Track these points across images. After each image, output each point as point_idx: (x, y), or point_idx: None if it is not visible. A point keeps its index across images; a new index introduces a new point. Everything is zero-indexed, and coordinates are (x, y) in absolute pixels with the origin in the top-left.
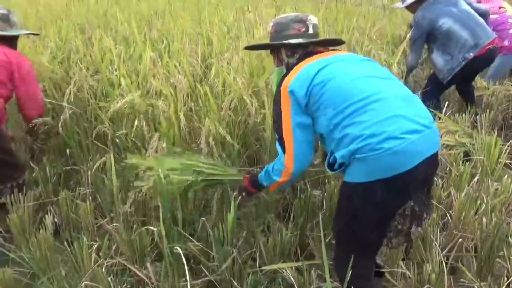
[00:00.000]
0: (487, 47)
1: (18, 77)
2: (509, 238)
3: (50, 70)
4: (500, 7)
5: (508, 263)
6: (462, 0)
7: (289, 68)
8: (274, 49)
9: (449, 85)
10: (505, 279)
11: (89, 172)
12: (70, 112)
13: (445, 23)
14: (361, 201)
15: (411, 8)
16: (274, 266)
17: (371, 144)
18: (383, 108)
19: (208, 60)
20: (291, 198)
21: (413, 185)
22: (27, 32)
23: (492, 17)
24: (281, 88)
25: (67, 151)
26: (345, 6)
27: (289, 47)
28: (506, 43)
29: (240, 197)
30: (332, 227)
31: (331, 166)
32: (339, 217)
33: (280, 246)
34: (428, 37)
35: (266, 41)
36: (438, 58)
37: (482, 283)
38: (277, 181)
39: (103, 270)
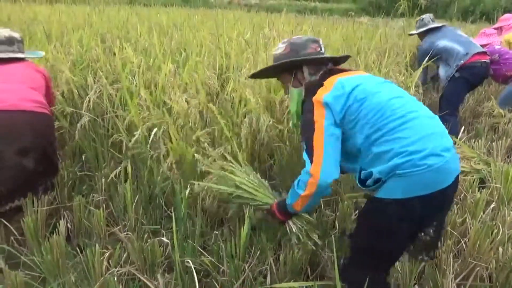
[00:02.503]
0: (477, 58)
1: (50, 87)
2: None
3: (71, 77)
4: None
5: None
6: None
7: (314, 85)
8: (292, 68)
9: (456, 98)
10: None
11: (103, 179)
12: (88, 119)
13: (441, 42)
14: (396, 217)
15: (420, 35)
16: (284, 285)
17: (414, 160)
18: (420, 126)
19: (225, 74)
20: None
21: (446, 204)
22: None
23: (496, 47)
24: (313, 99)
25: (83, 156)
26: (361, 26)
27: (313, 65)
28: None
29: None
30: (350, 245)
31: (363, 182)
32: (363, 234)
33: (291, 264)
34: (434, 57)
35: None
36: (441, 70)
37: None
38: (302, 195)
39: (114, 278)
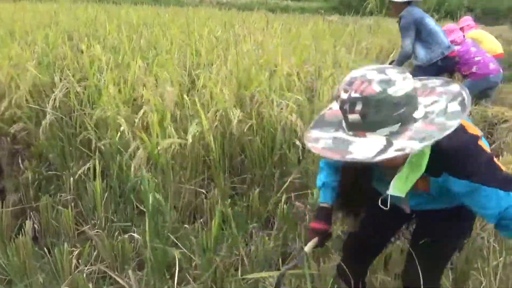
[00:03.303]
0: (454, 54)
1: None
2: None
3: (36, 75)
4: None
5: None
6: None
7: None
8: None
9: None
10: None
11: (71, 179)
12: (53, 117)
13: (429, 23)
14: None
15: (399, 7)
16: (256, 275)
17: None
18: None
19: (196, 71)
20: (274, 210)
21: None
22: None
23: (457, 47)
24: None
25: (50, 156)
26: (331, 24)
27: None
28: (474, 69)
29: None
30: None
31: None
32: (455, 237)
33: (263, 255)
34: (417, 31)
35: None
36: (421, 50)
37: None
38: None
39: (84, 276)
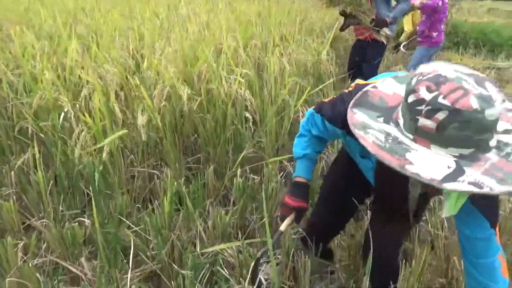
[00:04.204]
0: None
1: None
2: None
3: None
4: None
5: None
6: None
7: None
8: None
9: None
10: None
11: (12, 172)
12: None
13: None
14: None
15: None
16: (213, 248)
17: None
18: None
19: (140, 52)
20: (230, 185)
21: None
22: None
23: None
24: None
25: None
26: (278, 1)
27: None
28: (434, 35)
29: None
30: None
31: None
32: None
33: (221, 229)
34: None
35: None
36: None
37: None
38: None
39: (31, 266)
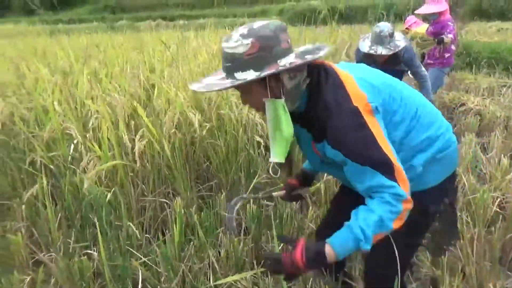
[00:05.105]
0: None
1: None
2: None
3: None
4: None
5: None
6: None
7: (301, 92)
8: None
9: None
10: None
11: (23, 206)
12: None
13: None
14: (433, 205)
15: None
16: (227, 280)
17: (449, 141)
18: (429, 106)
19: (150, 82)
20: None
21: None
22: None
23: None
24: (359, 108)
25: None
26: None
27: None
28: (446, 56)
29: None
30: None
31: None
32: (401, 233)
33: (235, 259)
34: None
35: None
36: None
37: None
38: (397, 222)
39: None
